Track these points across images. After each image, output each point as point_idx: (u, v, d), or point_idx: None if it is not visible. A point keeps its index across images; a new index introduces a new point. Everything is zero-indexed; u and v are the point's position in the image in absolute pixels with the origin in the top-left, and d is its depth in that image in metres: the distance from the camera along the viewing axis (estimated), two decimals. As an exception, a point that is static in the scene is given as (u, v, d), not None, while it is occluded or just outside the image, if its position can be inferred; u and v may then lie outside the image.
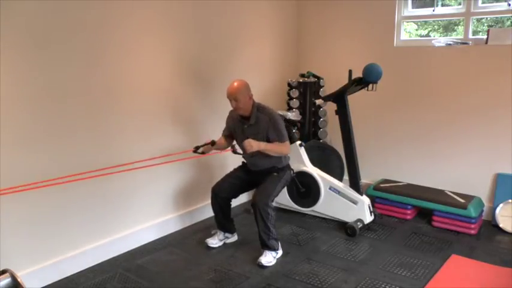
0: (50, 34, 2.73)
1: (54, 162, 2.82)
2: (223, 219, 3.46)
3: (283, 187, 3.41)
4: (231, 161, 3.87)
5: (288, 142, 3.25)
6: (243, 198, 4.28)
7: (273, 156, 3.25)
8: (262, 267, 3.11)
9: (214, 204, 3.40)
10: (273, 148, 3.17)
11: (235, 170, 3.51)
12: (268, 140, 3.18)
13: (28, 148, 2.71)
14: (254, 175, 3.35)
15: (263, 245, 3.19)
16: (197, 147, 3.35)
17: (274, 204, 3.22)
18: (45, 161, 2.79)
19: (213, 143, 3.32)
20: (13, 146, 2.64)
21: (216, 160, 4.05)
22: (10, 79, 2.58)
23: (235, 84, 3.14)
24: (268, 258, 3.16)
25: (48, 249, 2.91)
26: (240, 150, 3.23)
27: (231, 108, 3.28)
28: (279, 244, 3.26)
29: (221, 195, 3.37)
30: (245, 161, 3.46)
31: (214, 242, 3.46)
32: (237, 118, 3.28)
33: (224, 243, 3.50)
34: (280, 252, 3.26)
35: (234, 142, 3.37)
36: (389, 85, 4.07)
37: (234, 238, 3.56)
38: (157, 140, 3.46)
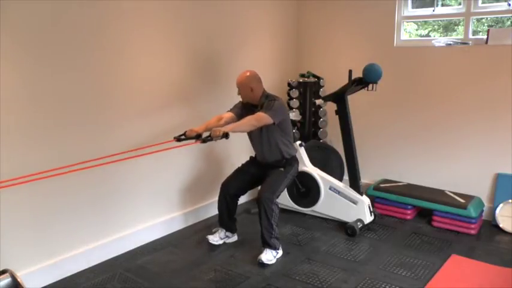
0: (50, 30, 2.73)
1: (54, 156, 2.80)
2: (227, 218, 3.48)
3: (289, 182, 3.42)
4: (234, 153, 3.88)
5: (265, 115, 3.08)
6: (243, 198, 4.28)
7: (280, 147, 3.28)
8: (263, 265, 3.12)
9: (222, 201, 3.43)
10: (242, 123, 3.07)
11: (243, 165, 3.54)
12: None
13: (28, 143, 2.71)
14: (262, 169, 3.37)
15: (264, 242, 3.19)
16: (178, 138, 3.10)
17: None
18: (45, 156, 2.77)
19: (198, 136, 3.08)
20: (13, 140, 2.64)
21: (218, 158, 4.05)
22: (12, 73, 2.59)
23: (244, 74, 3.27)
24: (269, 256, 3.16)
25: (48, 249, 2.91)
26: (208, 138, 2.99)
27: (233, 103, 3.42)
28: (280, 244, 3.26)
29: (230, 191, 3.41)
30: (253, 156, 3.49)
31: (215, 239, 3.48)
32: (247, 105, 3.34)
33: (224, 243, 3.50)
34: (280, 252, 3.26)
35: (204, 134, 3.11)
36: (389, 85, 4.07)
37: (234, 238, 3.56)
38: (157, 134, 3.45)
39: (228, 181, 3.45)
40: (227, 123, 3.22)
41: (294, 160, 3.42)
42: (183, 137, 3.12)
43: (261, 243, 3.21)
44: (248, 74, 3.29)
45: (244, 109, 3.36)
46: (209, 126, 3.18)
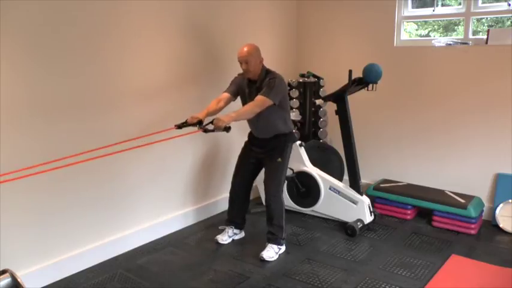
0: (49, 26, 2.74)
1: (55, 153, 2.76)
2: (238, 215, 3.53)
3: (287, 164, 3.35)
4: (236, 151, 3.86)
5: (267, 99, 3.00)
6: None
7: (277, 123, 3.21)
8: (264, 261, 3.16)
9: (233, 201, 3.51)
10: (245, 111, 3.01)
11: (240, 157, 3.49)
12: None
13: (27, 140, 2.71)
14: (259, 152, 3.33)
15: (269, 239, 3.25)
16: (179, 125, 3.03)
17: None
18: (45, 154, 2.73)
19: (199, 122, 2.99)
20: (12, 137, 2.63)
21: (219, 157, 4.05)
22: (11, 70, 2.59)
23: (246, 47, 3.13)
24: (271, 254, 3.21)
25: (48, 249, 2.91)
26: (210, 127, 2.95)
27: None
28: (285, 240, 3.33)
29: (239, 192, 3.48)
30: (250, 136, 3.44)
31: (225, 238, 3.51)
32: (245, 80, 3.25)
33: (233, 240, 3.54)
34: (283, 248, 3.31)
35: (205, 123, 3.04)
36: (389, 85, 4.07)
37: (241, 235, 3.61)
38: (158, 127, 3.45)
39: (234, 184, 3.49)
40: (226, 103, 3.22)
41: (290, 138, 3.33)
42: (184, 124, 3.03)
43: (266, 240, 3.27)
44: (252, 45, 3.14)
45: (240, 86, 3.27)
46: (210, 110, 3.12)
